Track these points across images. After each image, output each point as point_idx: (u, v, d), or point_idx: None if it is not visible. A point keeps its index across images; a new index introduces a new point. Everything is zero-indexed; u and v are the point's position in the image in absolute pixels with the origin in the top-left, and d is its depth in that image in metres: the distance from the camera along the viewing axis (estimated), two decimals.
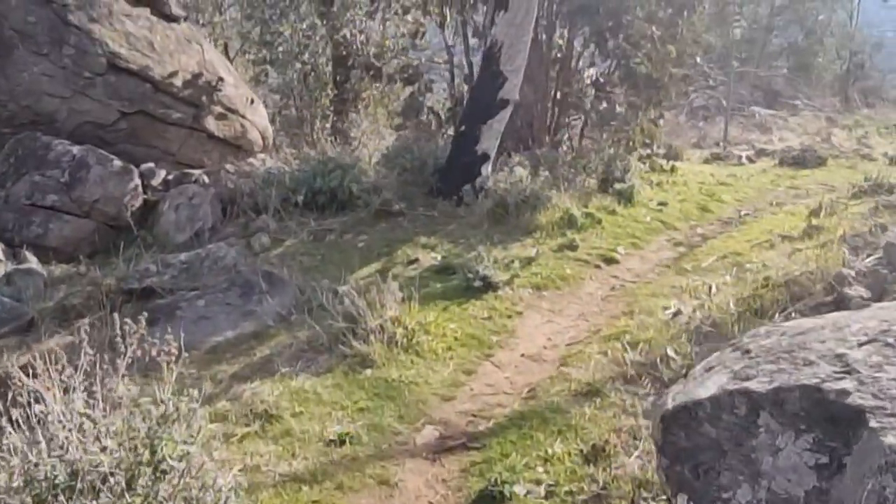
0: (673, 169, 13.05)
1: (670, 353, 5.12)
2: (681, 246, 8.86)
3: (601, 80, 12.43)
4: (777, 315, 5.42)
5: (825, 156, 15.62)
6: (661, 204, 10.42)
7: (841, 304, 5.25)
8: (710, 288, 6.66)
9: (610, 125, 11.40)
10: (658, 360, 5.11)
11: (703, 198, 11.26)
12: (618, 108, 11.45)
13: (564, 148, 12.03)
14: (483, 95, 9.47)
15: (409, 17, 13.14)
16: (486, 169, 9.57)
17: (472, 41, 11.88)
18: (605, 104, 12.03)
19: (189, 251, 7.86)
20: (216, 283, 7.05)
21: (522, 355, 5.88)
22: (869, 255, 6.18)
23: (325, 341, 5.79)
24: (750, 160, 16.01)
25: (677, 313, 5.91)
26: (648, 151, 12.11)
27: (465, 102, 10.39)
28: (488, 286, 6.95)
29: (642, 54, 11.79)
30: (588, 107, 11.83)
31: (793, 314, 5.30)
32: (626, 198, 10.18)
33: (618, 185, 10.36)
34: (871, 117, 23.28)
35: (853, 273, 5.80)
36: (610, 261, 8.14)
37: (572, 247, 8.28)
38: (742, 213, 10.70)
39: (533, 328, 6.41)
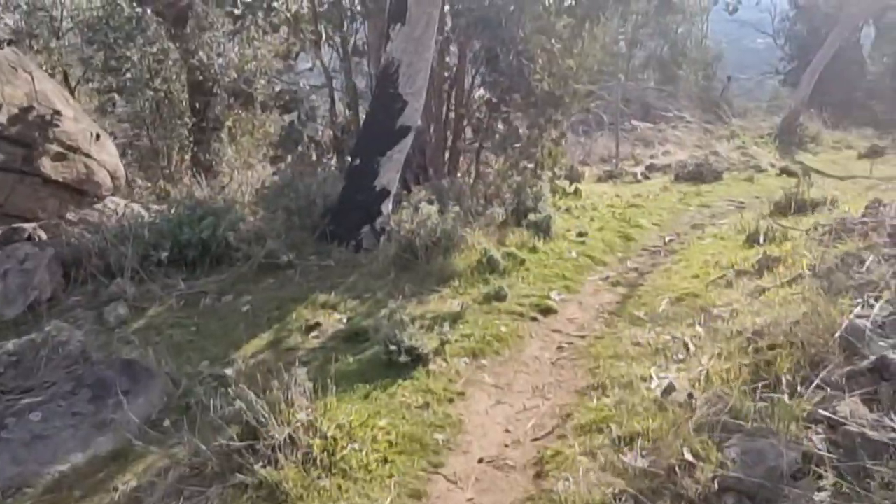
0: (577, 192, 12.08)
1: (688, 455, 3.88)
2: (619, 286, 7.74)
3: (495, 99, 11.29)
4: (803, 389, 4.30)
5: (720, 169, 15.13)
6: (580, 235, 9.34)
7: (885, 371, 4.19)
8: (687, 346, 5.53)
9: (513, 148, 10.27)
10: (675, 466, 3.86)
11: (619, 224, 10.28)
12: (521, 130, 10.33)
13: (463, 176, 10.79)
14: (380, 122, 8.08)
15: (277, 37, 11.60)
16: (387, 207, 8.18)
17: (355, 60, 10.50)
18: (503, 125, 10.89)
19: (20, 335, 6.06)
20: (58, 383, 5.33)
21: (481, 461, 4.51)
22: (874, 299, 5.19)
23: (215, 464, 4.23)
24: (645, 177, 15.34)
25: (669, 389, 4.70)
26: (550, 174, 11.05)
27: (359, 131, 8.95)
28: (416, 359, 5.55)
29: (541, 69, 10.74)
30: (486, 129, 10.66)
31: (826, 388, 4.19)
32: (544, 230, 9.03)
33: (532, 217, 9.21)
34: (744, 127, 23.40)
35: (868, 324, 4.77)
36: (546, 311, 6.91)
37: (500, 296, 7.00)
38: (667, 239, 9.77)
39: (483, 415, 5.05)
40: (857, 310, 5.09)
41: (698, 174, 14.78)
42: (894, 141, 21.09)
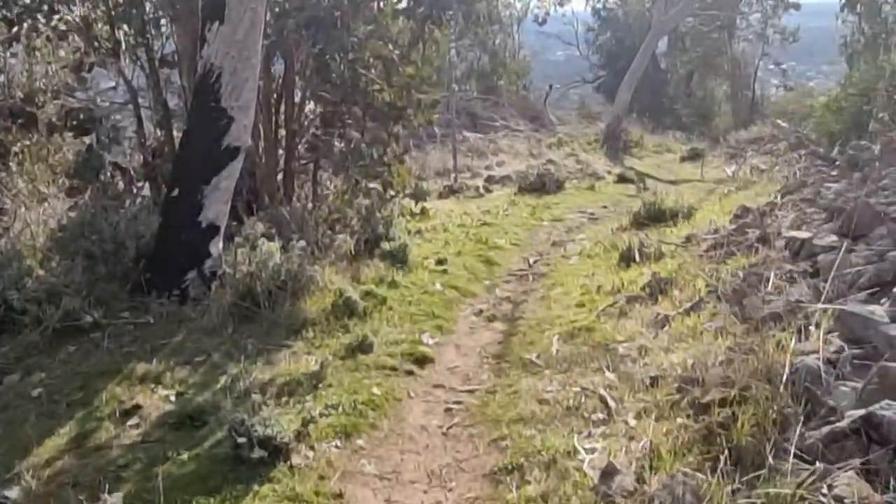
0: (424, 212, 11.05)
1: None
2: (496, 320, 6.74)
3: (329, 112, 10.04)
4: (776, 461, 3.41)
5: (561, 178, 14.61)
6: (440, 262, 8.28)
7: (874, 431, 3.36)
8: (605, 402, 4.56)
9: (356, 167, 9.06)
10: None
11: (477, 246, 9.31)
12: (364, 147, 9.14)
13: (301, 201, 9.46)
14: (201, 144, 6.64)
15: (69, 47, 9.76)
16: (217, 246, 6.75)
17: (164, 72, 8.92)
18: (341, 142, 9.66)
19: None
20: None
21: None
22: (808, 328, 4.43)
23: None
24: (487, 190, 14.57)
25: (609, 472, 3.68)
26: (400, 195, 9.95)
27: (175, 154, 7.42)
28: (274, 452, 4.24)
29: (380, 78, 9.62)
30: (323, 146, 9.39)
31: (805, 459, 3.32)
32: (401, 260, 7.91)
33: (386, 245, 8.06)
34: (570, 134, 23.35)
35: (820, 363, 3.98)
36: (422, 360, 5.77)
37: (365, 346, 5.79)
38: (531, 260, 8.92)
39: None
40: (794, 343, 4.32)
41: (541, 185, 14.18)
42: (711, 144, 21.68)
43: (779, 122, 19.15)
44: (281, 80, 9.82)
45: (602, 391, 4.69)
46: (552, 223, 11.16)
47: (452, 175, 15.57)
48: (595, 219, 11.48)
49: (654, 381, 4.63)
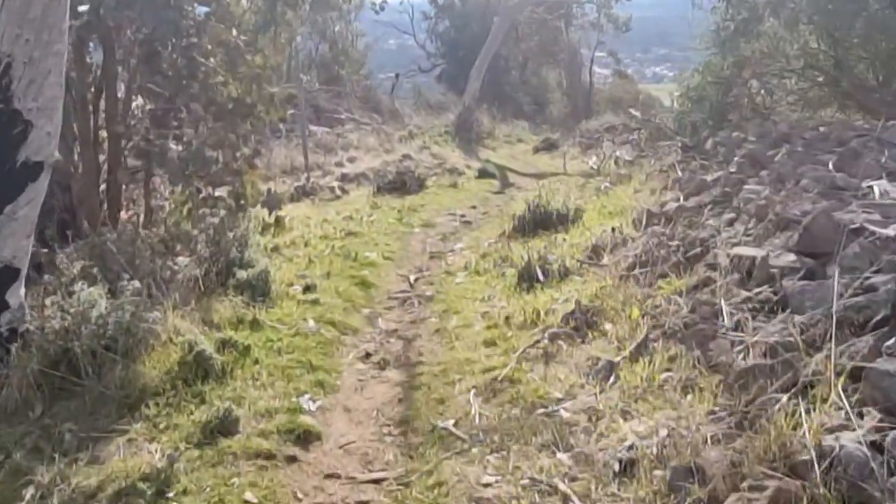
0: (279, 222, 9.52)
1: None
2: (388, 367, 5.41)
3: (161, 110, 8.31)
4: None
5: (422, 176, 13.41)
6: (308, 289, 6.85)
7: None
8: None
9: (199, 176, 7.43)
10: None
11: (346, 264, 7.93)
12: (207, 151, 7.52)
13: (133, 221, 7.72)
14: None
15: None
16: (17, 294, 5.00)
17: None
18: (178, 145, 7.97)
19: None
20: None
21: None
22: (812, 387, 3.43)
23: None
24: (343, 191, 13.14)
25: None
26: (254, 206, 8.38)
27: None
28: None
29: (223, 69, 8.03)
30: (157, 151, 7.68)
31: None
32: (262, 291, 6.42)
33: (242, 273, 6.54)
34: (419, 126, 22.19)
35: (865, 450, 2.98)
36: (305, 437, 4.37)
37: (228, 424, 4.32)
38: (412, 279, 7.65)
39: None
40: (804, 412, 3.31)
41: (401, 184, 12.93)
42: (564, 133, 21.17)
43: (631, 111, 18.80)
44: (100, 72, 8.01)
45: (561, 484, 3.50)
46: (423, 229, 9.93)
47: (304, 175, 14.00)
48: (468, 222, 10.36)
49: (627, 467, 3.50)
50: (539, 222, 8.57)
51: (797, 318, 4.04)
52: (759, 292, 4.60)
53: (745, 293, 4.69)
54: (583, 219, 8.67)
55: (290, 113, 17.93)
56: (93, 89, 7.94)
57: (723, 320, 4.47)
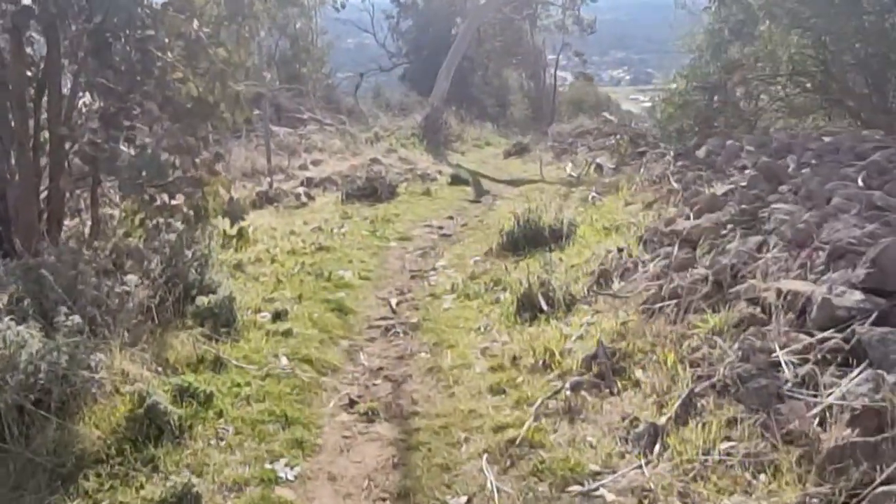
0: (242, 234, 8.58)
1: None
2: (377, 419, 4.56)
3: (113, 108, 7.34)
4: None
5: (393, 182, 12.56)
6: (278, 317, 5.98)
7: None
8: None
9: (154, 185, 6.51)
10: None
11: (319, 285, 7.07)
12: (163, 156, 6.61)
13: (77, 236, 6.77)
14: None
15: None
16: None
17: None
18: (130, 148, 7.02)
19: None
20: None
21: None
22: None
23: None
24: (309, 197, 12.22)
25: None
26: (216, 219, 7.47)
27: None
28: None
29: (182, 64, 7.12)
30: (107, 155, 6.73)
31: None
32: (225, 321, 5.54)
33: (203, 299, 5.64)
34: (385, 127, 21.31)
35: None
36: None
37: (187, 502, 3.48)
38: (393, 303, 6.82)
39: None
40: None
41: (372, 190, 12.06)
42: (535, 137, 20.46)
43: (605, 114, 18.17)
44: (42, 66, 7.03)
45: None
46: (400, 243, 9.09)
47: (266, 179, 13.07)
48: (447, 235, 9.54)
49: None
50: (530, 238, 7.79)
51: (890, 377, 3.32)
52: (825, 339, 3.87)
53: (804, 338, 3.96)
54: (577, 235, 7.91)
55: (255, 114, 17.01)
56: (34, 85, 6.96)
57: (784, 373, 3.74)
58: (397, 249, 8.76)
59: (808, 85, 12.17)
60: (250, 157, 15.68)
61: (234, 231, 8.46)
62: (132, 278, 5.76)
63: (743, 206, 6.41)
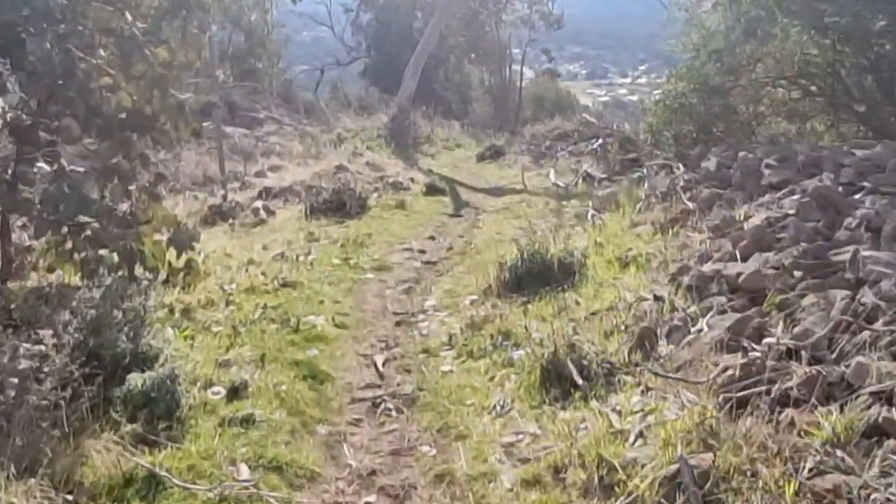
0: (191, 267, 7.16)
1: None
2: None
3: (27, 120, 5.90)
4: None
5: (363, 194, 11.20)
6: (235, 394, 4.61)
7: None
8: None
9: (75, 225, 5.12)
10: None
11: (285, 339, 5.69)
12: (89, 183, 5.22)
13: None
14: None
15: None
16: None
17: None
18: (48, 169, 5.60)
19: None
20: None
21: None
22: None
23: None
24: (268, 211, 10.83)
25: None
26: (161, 269, 6.08)
27: None
28: None
29: (112, 67, 5.76)
30: (17, 182, 5.31)
31: None
32: (166, 409, 4.17)
33: (136, 380, 4.26)
34: (348, 128, 19.90)
35: None
36: None
37: None
38: (379, 362, 5.50)
39: None
40: None
41: (339, 204, 10.70)
42: (509, 139, 19.23)
43: (586, 116, 17.02)
44: None
45: None
46: (378, 274, 7.76)
47: (220, 192, 11.62)
48: (432, 263, 8.25)
49: None
50: (535, 274, 6.53)
51: None
52: None
53: None
54: (589, 268, 6.67)
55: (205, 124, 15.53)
56: None
57: None
58: (375, 283, 7.44)
59: (814, 88, 11.12)
60: (202, 162, 14.23)
61: (180, 263, 7.07)
62: (45, 346, 4.40)
63: (804, 246, 5.23)
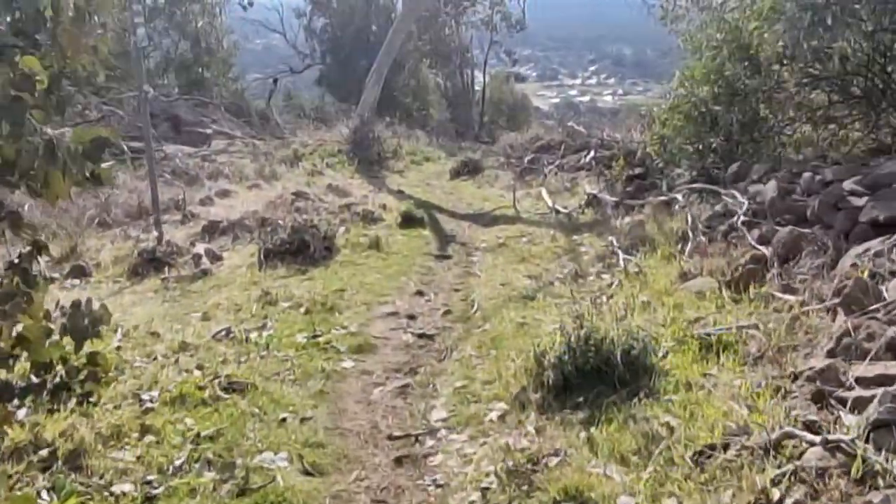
0: (94, 362, 4.91)
1: None
2: None
3: None
4: None
5: (328, 231, 9.00)
6: None
7: None
8: None
9: None
10: None
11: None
12: None
13: None
14: None
15: None
16: None
17: None
18: None
19: None
20: None
21: None
22: None
23: None
24: (213, 258, 8.60)
25: None
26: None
27: None
28: None
29: None
30: None
31: None
32: None
33: None
34: (305, 143, 17.67)
35: None
36: None
37: None
38: None
39: None
40: None
41: (300, 245, 8.52)
42: (485, 152, 17.18)
43: (572, 125, 15.02)
44: None
45: None
46: (358, 362, 5.56)
47: (154, 232, 9.33)
48: (428, 338, 6.07)
49: None
50: (588, 373, 4.43)
51: None
52: None
53: None
54: (665, 359, 4.60)
55: (134, 127, 13.16)
56: None
57: None
58: (356, 377, 5.27)
59: (854, 89, 9.29)
60: (136, 189, 11.89)
61: (80, 359, 4.81)
62: None
63: None
